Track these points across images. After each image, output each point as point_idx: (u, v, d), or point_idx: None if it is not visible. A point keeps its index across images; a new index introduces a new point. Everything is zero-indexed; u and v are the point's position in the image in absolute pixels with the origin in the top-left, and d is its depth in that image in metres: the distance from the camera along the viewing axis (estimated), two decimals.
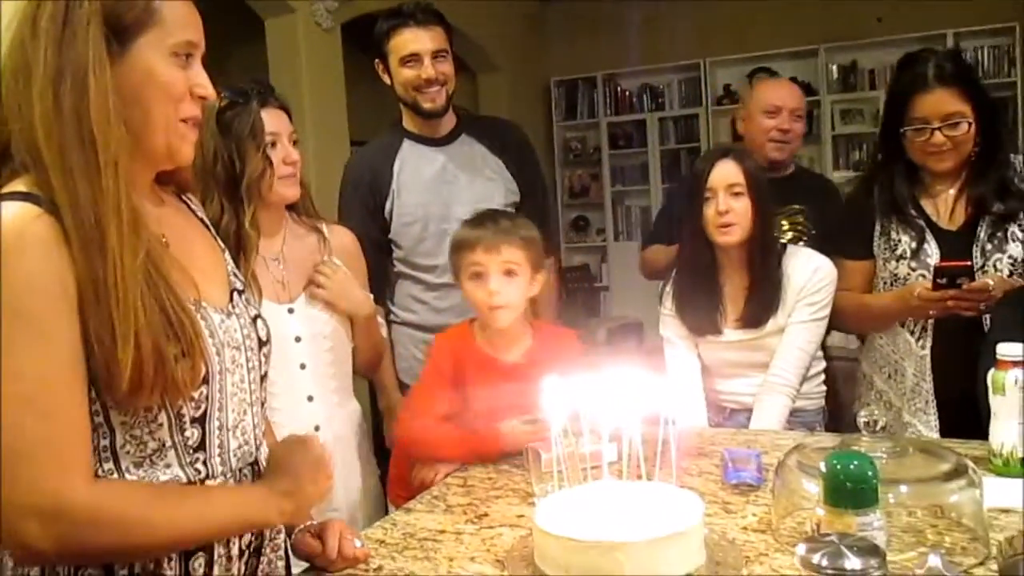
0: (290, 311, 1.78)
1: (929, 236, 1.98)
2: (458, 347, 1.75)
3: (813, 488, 1.15)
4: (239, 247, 1.65)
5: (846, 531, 0.94)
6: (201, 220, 1.22)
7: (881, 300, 2.05)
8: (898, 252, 2.02)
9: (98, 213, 0.95)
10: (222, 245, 1.23)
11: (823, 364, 2.16)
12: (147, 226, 1.00)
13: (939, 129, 1.91)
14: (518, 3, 6.49)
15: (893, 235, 2.03)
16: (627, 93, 6.88)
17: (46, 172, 0.95)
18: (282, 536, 1.23)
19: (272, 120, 1.71)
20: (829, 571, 0.82)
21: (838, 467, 0.96)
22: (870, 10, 5.84)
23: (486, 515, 1.42)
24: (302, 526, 1.29)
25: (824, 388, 2.16)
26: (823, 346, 2.18)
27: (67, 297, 0.93)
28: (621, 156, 6.87)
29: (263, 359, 1.18)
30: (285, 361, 1.75)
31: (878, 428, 1.21)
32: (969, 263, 1.88)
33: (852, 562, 0.82)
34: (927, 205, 2.02)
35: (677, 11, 6.38)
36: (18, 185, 0.96)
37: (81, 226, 0.94)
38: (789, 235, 2.47)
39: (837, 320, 2.12)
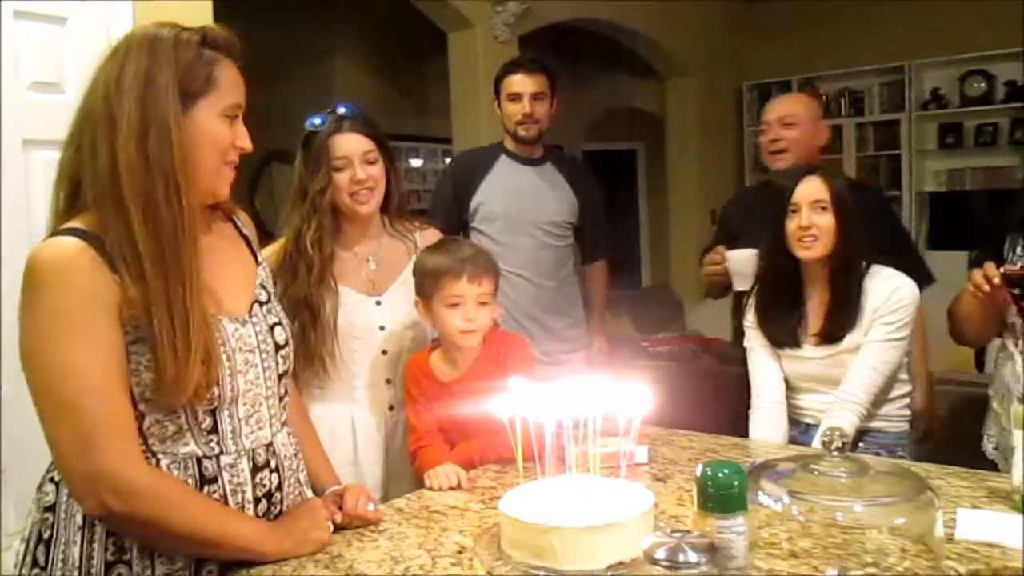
0: (377, 303, 2.02)
1: None
2: (415, 372, 1.89)
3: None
4: (308, 255, 1.91)
5: (707, 531, 1.01)
6: (244, 237, 1.46)
7: (968, 302, 1.98)
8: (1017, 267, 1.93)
9: (176, 245, 1.20)
10: (260, 259, 1.47)
11: (907, 388, 2.11)
12: None
13: None
14: (714, 7, 6.47)
15: (1018, 249, 1.94)
16: (824, 97, 6.63)
17: (119, 209, 1.18)
18: (307, 495, 1.46)
19: (344, 145, 1.93)
20: (664, 563, 0.91)
21: (708, 473, 1.03)
22: None
23: (499, 497, 1.57)
24: (330, 490, 1.52)
25: (908, 412, 2.11)
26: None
27: (109, 312, 1.18)
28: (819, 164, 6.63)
29: (281, 360, 1.39)
30: (369, 347, 2.01)
31: (834, 449, 1.23)
32: None
33: (686, 556, 0.91)
34: None
35: (882, 11, 6.08)
36: (74, 222, 1.22)
37: (160, 256, 1.19)
38: None
39: (952, 328, 2.10)
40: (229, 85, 1.29)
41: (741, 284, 2.52)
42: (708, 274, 2.64)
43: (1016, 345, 1.94)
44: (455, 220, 2.87)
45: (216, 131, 1.27)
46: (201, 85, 1.25)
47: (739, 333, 2.67)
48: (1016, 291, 1.77)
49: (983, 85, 6.05)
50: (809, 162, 2.62)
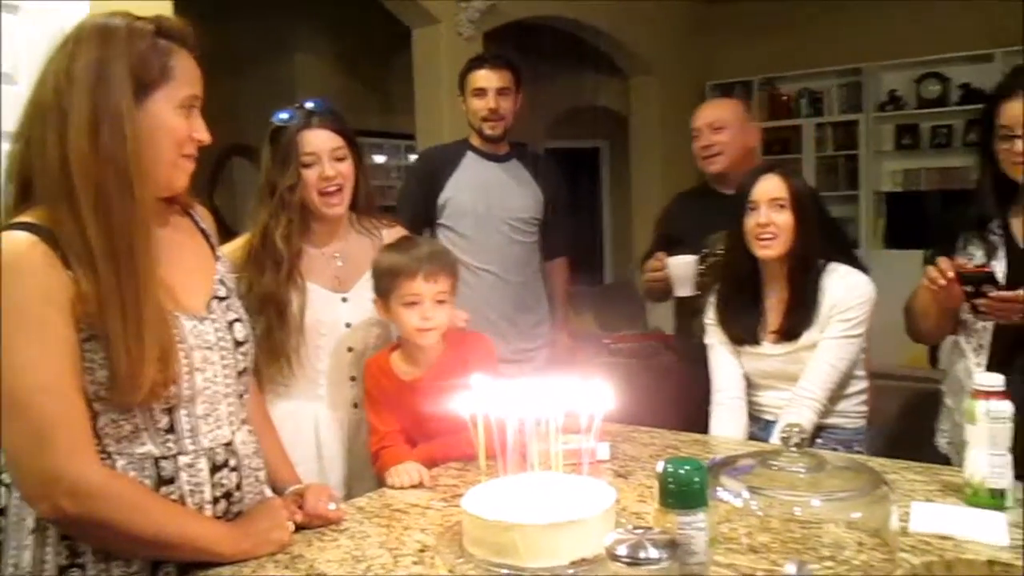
0: (343, 300, 2.00)
1: (1001, 254, 1.93)
2: (375, 372, 1.87)
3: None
4: (276, 252, 1.90)
5: (669, 528, 1.02)
6: (202, 231, 1.44)
7: (923, 298, 2.01)
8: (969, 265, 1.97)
9: (129, 240, 1.17)
10: (218, 254, 1.44)
11: (864, 383, 2.14)
12: None
13: (1020, 137, 1.85)
14: (677, 6, 6.51)
15: (970, 248, 1.99)
16: (784, 98, 6.73)
17: (71, 203, 1.15)
18: (267, 494, 1.45)
19: (313, 141, 1.91)
20: (625, 559, 0.92)
21: (669, 470, 1.04)
22: None
23: (461, 495, 1.56)
24: (291, 489, 1.51)
25: (864, 408, 2.14)
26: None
27: (62, 308, 1.16)
28: (776, 162, 6.71)
29: (241, 357, 1.37)
30: (334, 344, 1.99)
31: (792, 444, 1.25)
32: (989, 270, 1.83)
33: (647, 552, 0.92)
34: (1015, 223, 1.96)
35: (841, 13, 6.17)
36: (26, 216, 1.19)
37: (112, 251, 1.16)
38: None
39: (908, 326, 2.13)
40: (185, 76, 1.26)
41: (682, 290, 2.57)
42: (649, 280, 2.68)
43: (968, 342, 1.98)
44: (421, 217, 2.85)
45: (172, 123, 1.25)
46: (156, 76, 1.23)
47: (681, 330, 2.72)
48: (968, 288, 1.81)
49: (938, 87, 6.15)
50: (743, 163, 2.69)
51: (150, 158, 1.22)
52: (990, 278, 1.80)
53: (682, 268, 2.56)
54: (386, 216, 2.20)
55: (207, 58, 1.32)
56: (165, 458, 1.26)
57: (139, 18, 1.25)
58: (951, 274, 1.82)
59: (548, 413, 1.37)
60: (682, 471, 1.03)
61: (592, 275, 7.45)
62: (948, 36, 5.82)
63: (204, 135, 1.30)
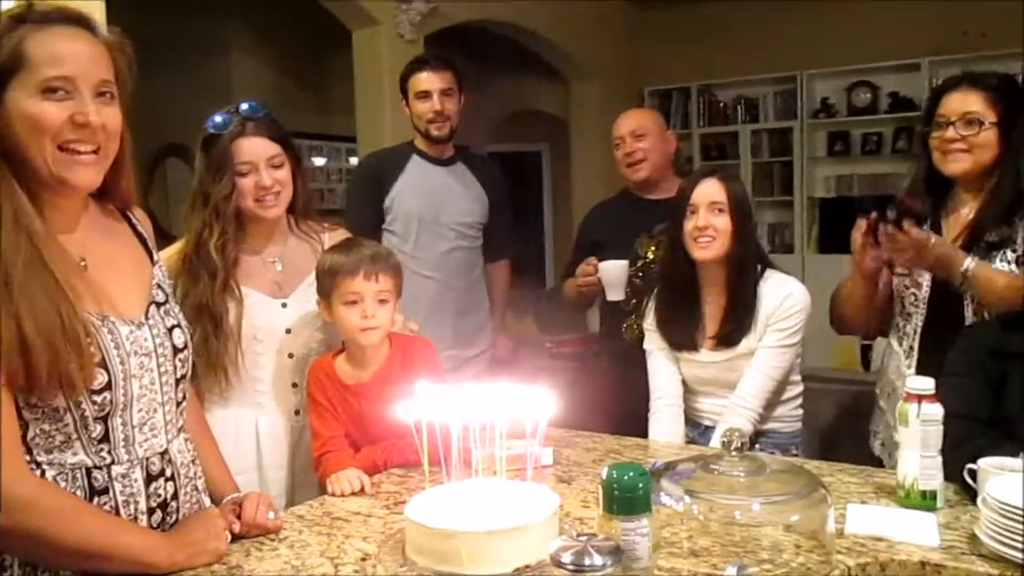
0: (283, 305, 1.96)
1: None
2: (319, 375, 1.86)
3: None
4: (211, 262, 1.84)
5: (613, 534, 1.03)
6: (139, 235, 1.39)
7: (848, 283, 2.06)
8: (897, 267, 2.03)
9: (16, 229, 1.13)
10: (156, 258, 1.40)
11: (799, 388, 2.18)
12: (43, 246, 1.16)
13: (953, 124, 1.91)
14: (614, 12, 6.58)
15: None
16: (722, 104, 6.84)
17: None
18: (204, 503, 1.41)
19: (248, 149, 1.85)
20: (569, 566, 0.92)
21: (613, 476, 1.05)
22: (978, 23, 5.59)
23: (403, 502, 1.55)
24: (229, 498, 1.47)
25: (800, 411, 2.19)
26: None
27: None
28: (715, 167, 6.81)
29: (179, 364, 1.34)
30: (274, 350, 1.95)
31: (733, 448, 1.27)
32: (919, 210, 1.89)
33: (592, 559, 0.92)
34: (945, 225, 2.01)
35: (775, 22, 6.30)
36: None
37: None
38: (650, 256, 2.61)
39: (833, 314, 2.16)
40: (45, 56, 1.15)
41: (614, 294, 2.60)
42: (582, 285, 2.69)
43: (900, 345, 2.03)
44: (374, 223, 2.80)
45: (32, 111, 1.15)
46: (5, 64, 1.14)
47: (610, 332, 2.77)
48: (891, 215, 1.85)
49: (868, 96, 6.31)
50: (664, 169, 2.77)
51: (20, 151, 1.16)
52: (917, 217, 1.84)
53: (614, 272, 2.59)
54: (327, 219, 2.16)
55: (141, 55, 1.27)
56: (98, 468, 1.22)
57: (17, 7, 1.19)
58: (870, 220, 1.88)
59: (492, 418, 1.37)
60: (626, 477, 1.04)
61: (535, 278, 7.47)
62: (877, 46, 5.99)
63: (87, 117, 1.17)
